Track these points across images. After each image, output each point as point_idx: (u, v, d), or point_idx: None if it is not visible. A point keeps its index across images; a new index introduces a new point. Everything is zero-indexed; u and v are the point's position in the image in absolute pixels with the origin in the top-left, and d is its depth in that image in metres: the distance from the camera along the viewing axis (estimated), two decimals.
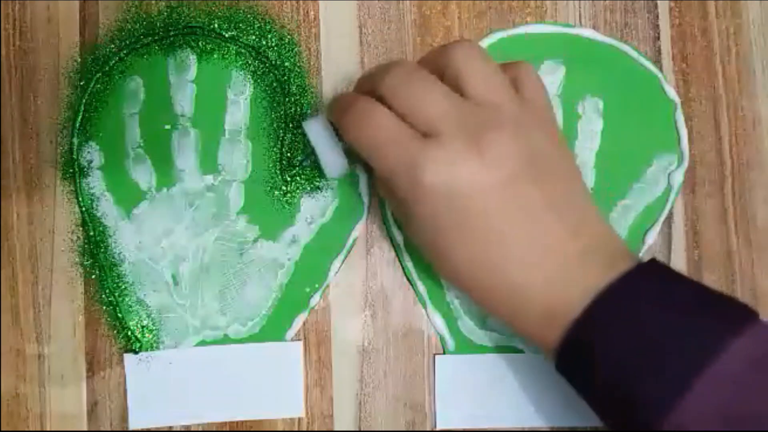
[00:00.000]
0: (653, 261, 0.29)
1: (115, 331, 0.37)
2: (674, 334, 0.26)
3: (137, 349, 0.36)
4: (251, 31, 0.38)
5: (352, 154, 0.33)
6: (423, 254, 0.31)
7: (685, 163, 0.38)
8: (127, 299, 0.37)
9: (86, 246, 0.37)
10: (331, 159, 0.33)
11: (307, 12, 0.38)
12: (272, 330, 0.37)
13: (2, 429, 0.36)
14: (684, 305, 0.26)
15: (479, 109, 0.28)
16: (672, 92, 0.39)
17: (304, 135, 0.34)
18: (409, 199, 0.28)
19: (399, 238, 0.37)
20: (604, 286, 0.27)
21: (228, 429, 0.36)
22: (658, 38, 0.39)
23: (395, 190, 0.28)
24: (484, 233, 0.28)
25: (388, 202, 0.34)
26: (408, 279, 0.37)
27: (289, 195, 0.37)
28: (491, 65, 0.29)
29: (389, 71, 0.29)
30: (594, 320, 0.27)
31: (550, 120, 0.31)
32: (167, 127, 0.37)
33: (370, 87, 0.30)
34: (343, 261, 0.37)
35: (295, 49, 0.38)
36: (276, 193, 0.37)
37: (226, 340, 0.37)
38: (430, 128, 0.27)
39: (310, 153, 0.35)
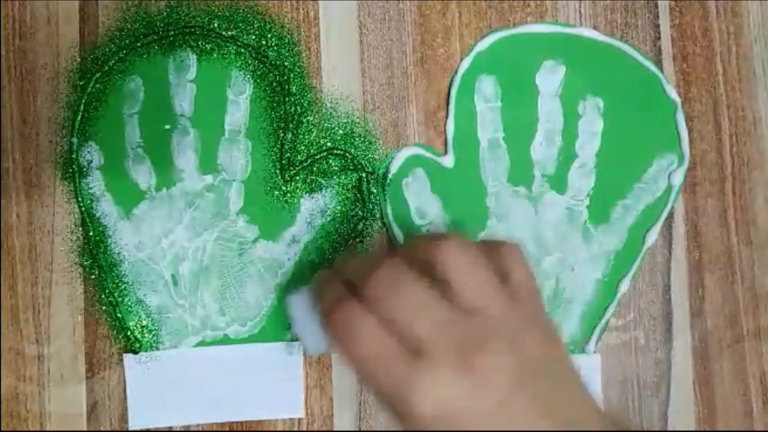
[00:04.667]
0: None
1: (114, 331, 0.37)
2: None
3: (137, 350, 0.36)
4: (251, 31, 0.38)
5: None
6: None
7: (686, 163, 0.38)
8: (126, 299, 0.37)
9: (86, 246, 0.37)
10: (311, 338, 0.32)
11: (307, 12, 0.38)
12: (272, 330, 0.37)
13: (2, 429, 0.36)
14: None
15: (469, 319, 0.27)
16: (672, 92, 0.39)
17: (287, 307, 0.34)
18: (401, 418, 0.27)
19: (399, 237, 0.37)
20: None
21: (228, 429, 0.36)
22: (659, 38, 0.39)
23: (386, 406, 0.27)
24: None
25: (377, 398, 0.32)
26: None
27: (288, 195, 0.37)
28: (479, 265, 0.28)
29: (374, 273, 0.28)
30: None
31: (540, 310, 0.30)
32: (167, 127, 0.37)
33: (351, 275, 0.29)
34: None
35: (295, 49, 0.38)
36: (276, 193, 0.37)
37: (225, 340, 0.37)
38: (419, 346, 0.26)
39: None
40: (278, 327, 0.37)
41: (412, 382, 0.26)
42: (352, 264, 0.31)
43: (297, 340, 0.37)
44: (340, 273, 0.31)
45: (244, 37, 0.38)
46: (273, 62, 0.38)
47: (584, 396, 0.29)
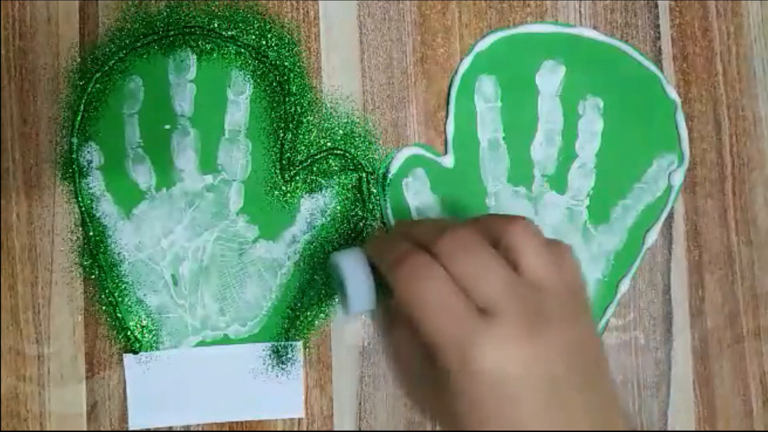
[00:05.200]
0: None
1: (114, 331, 0.37)
2: None
3: (137, 350, 0.36)
4: (251, 31, 0.38)
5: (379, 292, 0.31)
6: (445, 424, 0.29)
7: (686, 163, 0.38)
8: (126, 299, 0.37)
9: (86, 246, 0.37)
10: (361, 296, 0.31)
11: (307, 12, 0.38)
12: (272, 330, 0.37)
13: (2, 429, 0.36)
14: None
15: (534, 291, 0.28)
16: (672, 92, 0.39)
17: (333, 267, 0.33)
18: (452, 372, 0.27)
19: None
20: None
21: (228, 429, 0.36)
22: (659, 38, 0.39)
23: (438, 358, 0.27)
24: (518, 424, 0.26)
25: (407, 361, 0.32)
26: None
27: (288, 195, 0.37)
28: (545, 246, 0.29)
29: (446, 233, 0.28)
30: None
31: (588, 305, 0.31)
32: (167, 127, 0.37)
33: (416, 239, 0.29)
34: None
35: (295, 49, 0.38)
36: (276, 193, 0.37)
37: (226, 340, 0.37)
38: (488, 305, 0.27)
39: (338, 285, 0.33)
40: (278, 327, 0.37)
41: (477, 337, 0.26)
42: (419, 226, 0.31)
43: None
44: (403, 234, 0.31)
45: (244, 37, 0.38)
46: (273, 62, 0.38)
47: (617, 394, 0.30)
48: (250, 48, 0.38)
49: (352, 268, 0.32)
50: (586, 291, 0.31)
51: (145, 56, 0.37)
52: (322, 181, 0.37)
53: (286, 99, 0.38)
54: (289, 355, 0.37)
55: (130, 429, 0.36)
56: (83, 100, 0.37)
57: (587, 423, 0.27)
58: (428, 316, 0.27)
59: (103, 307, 0.37)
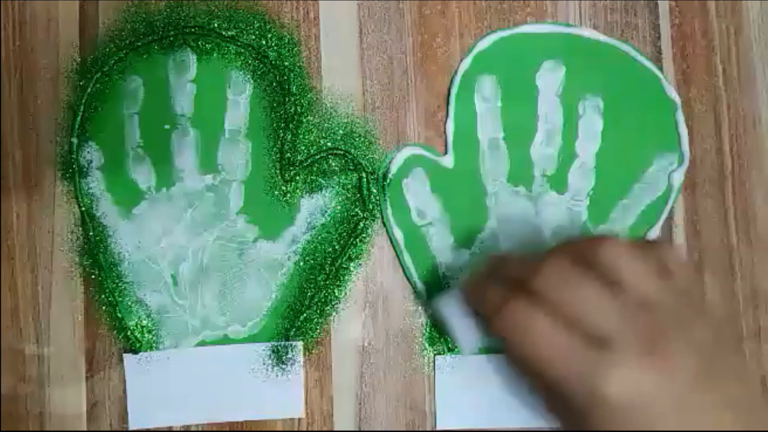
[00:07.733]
0: None
1: (115, 331, 0.37)
2: None
3: (137, 349, 0.36)
4: (251, 31, 0.38)
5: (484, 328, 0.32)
6: None
7: (686, 163, 0.38)
8: (126, 299, 0.37)
9: (86, 246, 0.37)
10: (467, 338, 0.32)
11: (307, 12, 0.38)
12: (272, 330, 0.37)
13: (2, 429, 0.36)
14: None
15: (644, 309, 0.27)
16: (672, 92, 0.39)
17: (436, 312, 0.34)
18: (581, 410, 0.27)
19: (399, 237, 0.37)
20: None
21: (228, 429, 0.36)
22: (659, 38, 0.39)
23: (564, 397, 0.27)
24: None
25: (539, 395, 0.32)
26: (408, 279, 0.37)
27: (288, 195, 0.37)
28: (645, 261, 0.28)
29: (541, 268, 0.28)
30: None
31: (705, 305, 0.30)
32: (167, 126, 0.37)
33: (510, 277, 0.29)
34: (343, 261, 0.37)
35: (295, 49, 0.38)
36: (276, 193, 0.37)
37: (226, 340, 0.37)
38: (601, 334, 0.26)
39: (443, 328, 0.34)
40: (278, 327, 0.37)
41: (598, 371, 0.26)
42: (509, 262, 0.31)
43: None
44: (495, 272, 0.31)
45: (244, 37, 0.38)
46: (273, 62, 0.38)
47: (757, 390, 0.29)
48: (250, 48, 0.38)
49: (453, 314, 0.32)
50: (702, 292, 0.29)
51: (145, 56, 0.37)
52: (322, 181, 0.37)
53: (286, 99, 0.38)
54: (289, 355, 0.37)
55: (130, 429, 0.36)
56: (83, 100, 0.37)
57: (729, 423, 0.26)
58: (543, 361, 0.27)
59: (103, 307, 0.37)
